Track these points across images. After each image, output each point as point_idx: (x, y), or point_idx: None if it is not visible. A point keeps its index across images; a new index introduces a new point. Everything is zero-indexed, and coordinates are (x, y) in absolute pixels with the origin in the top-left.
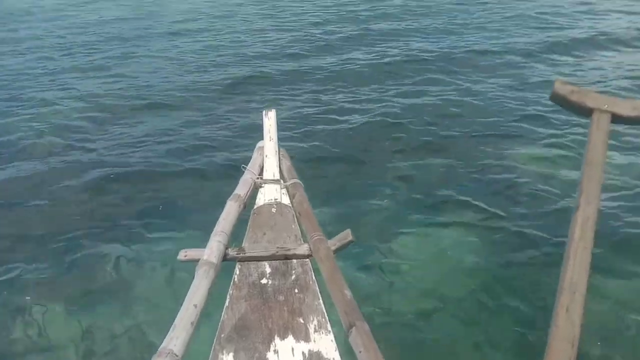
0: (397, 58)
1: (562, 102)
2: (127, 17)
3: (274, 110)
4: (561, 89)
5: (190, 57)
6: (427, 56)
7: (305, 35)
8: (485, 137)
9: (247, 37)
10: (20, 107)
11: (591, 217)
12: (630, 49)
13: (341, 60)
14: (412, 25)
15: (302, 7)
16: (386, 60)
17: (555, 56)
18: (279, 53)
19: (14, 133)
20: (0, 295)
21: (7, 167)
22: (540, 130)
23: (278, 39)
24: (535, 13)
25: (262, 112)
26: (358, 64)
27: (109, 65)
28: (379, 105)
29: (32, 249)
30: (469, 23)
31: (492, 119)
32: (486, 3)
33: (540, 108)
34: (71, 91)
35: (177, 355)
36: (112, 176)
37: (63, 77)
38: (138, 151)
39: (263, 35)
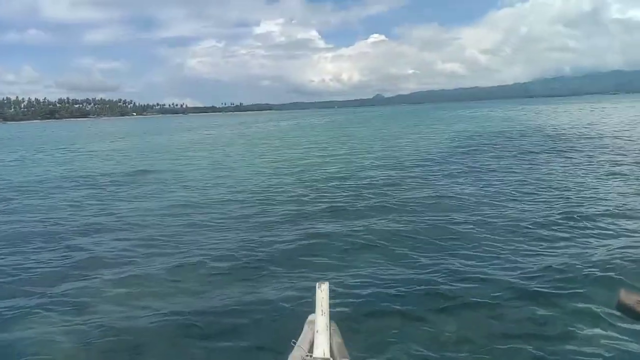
0: (463, 227)
1: (628, 312)
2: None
3: (327, 283)
4: (627, 299)
5: (242, 218)
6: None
7: (364, 199)
8: None
9: (305, 196)
10: None
11: None
12: None
13: (402, 225)
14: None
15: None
16: (452, 227)
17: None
18: (337, 215)
19: None
20: None
21: None
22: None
23: (333, 202)
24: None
25: (315, 284)
26: (414, 231)
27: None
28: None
29: None
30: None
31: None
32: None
33: None
34: None
35: None
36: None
37: None
38: (176, 318)
39: (321, 196)
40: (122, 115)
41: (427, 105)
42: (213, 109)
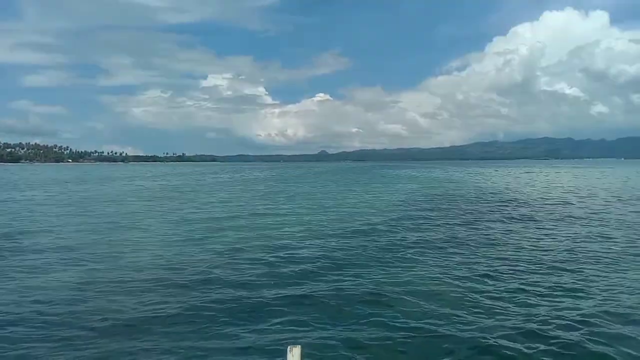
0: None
1: None
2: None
3: (299, 347)
4: None
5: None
6: None
7: (333, 260)
8: None
9: (273, 256)
10: None
11: None
12: None
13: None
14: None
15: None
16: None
17: None
18: (306, 277)
19: None
20: None
21: None
22: None
23: (302, 262)
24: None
25: (286, 348)
26: (389, 292)
27: None
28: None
29: None
30: None
31: None
32: None
33: None
34: None
35: None
36: None
37: None
38: None
39: (291, 256)
40: (57, 161)
41: (369, 163)
42: (155, 158)
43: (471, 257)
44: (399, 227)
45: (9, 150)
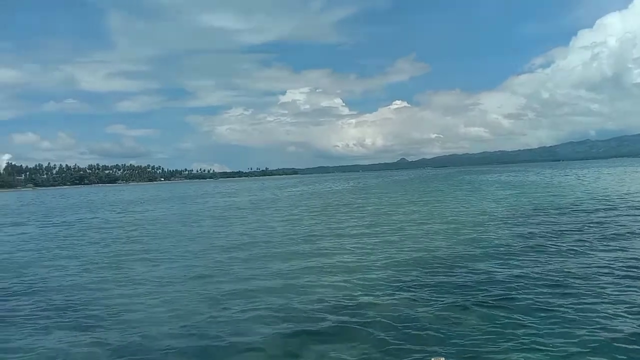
0: None
1: None
2: None
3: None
4: None
5: None
6: None
7: None
8: None
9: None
10: None
11: None
12: None
13: None
14: None
15: None
16: None
17: None
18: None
19: None
20: None
21: None
22: None
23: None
24: None
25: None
26: None
27: None
28: None
29: None
30: None
31: None
32: None
33: None
34: None
35: None
36: None
37: None
38: None
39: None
40: (150, 180)
41: (452, 169)
42: (239, 174)
43: None
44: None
45: (106, 172)
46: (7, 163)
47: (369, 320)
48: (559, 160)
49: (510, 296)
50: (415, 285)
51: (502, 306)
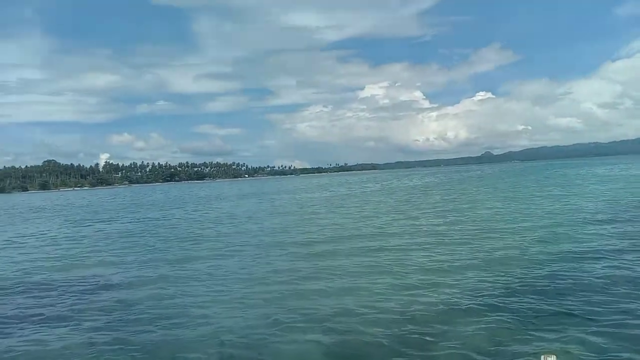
0: None
1: None
2: None
3: (554, 356)
4: None
5: None
6: None
7: None
8: None
9: None
10: None
11: None
12: None
13: None
14: None
15: None
16: None
17: None
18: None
19: None
20: None
21: None
22: None
23: None
24: None
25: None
26: None
27: None
28: None
29: None
30: None
31: None
32: None
33: None
34: None
35: None
36: None
37: None
38: None
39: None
40: (235, 177)
41: (541, 162)
42: (319, 170)
43: None
44: None
45: (195, 169)
46: (106, 162)
47: (464, 321)
48: None
49: (615, 303)
50: (507, 288)
51: (606, 311)
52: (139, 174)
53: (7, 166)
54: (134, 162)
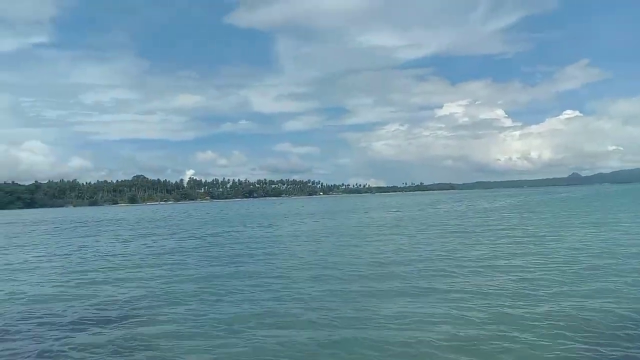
0: None
1: None
2: None
3: None
4: None
5: None
6: None
7: None
8: None
9: None
10: None
11: None
12: None
13: None
14: None
15: None
16: None
17: None
18: None
19: None
20: None
21: None
22: None
23: None
24: None
25: None
26: None
27: None
28: None
29: None
30: None
31: None
32: None
33: None
34: None
35: None
36: None
37: None
38: None
39: None
40: (310, 194)
41: (636, 185)
42: (394, 189)
43: None
44: None
45: (272, 186)
46: (190, 178)
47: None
48: None
49: None
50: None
51: None
52: (220, 189)
53: (100, 180)
54: (215, 179)
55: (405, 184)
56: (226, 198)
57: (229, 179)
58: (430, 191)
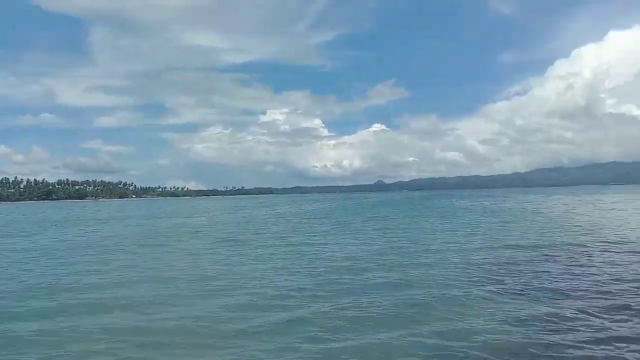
0: None
1: None
2: None
3: None
4: None
5: None
6: None
7: None
8: None
9: None
10: None
11: None
12: None
13: None
14: None
15: None
16: None
17: None
18: None
19: None
20: None
21: None
22: None
23: None
24: None
25: None
26: None
27: None
28: None
29: None
30: None
31: None
32: None
33: None
34: None
35: None
36: None
37: None
38: None
39: None
40: (121, 197)
41: (428, 192)
42: (215, 192)
43: None
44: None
45: (76, 187)
46: None
47: None
48: (531, 187)
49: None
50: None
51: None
52: (12, 190)
53: None
54: (5, 177)
55: (227, 187)
56: (17, 200)
57: (22, 179)
58: (251, 195)
